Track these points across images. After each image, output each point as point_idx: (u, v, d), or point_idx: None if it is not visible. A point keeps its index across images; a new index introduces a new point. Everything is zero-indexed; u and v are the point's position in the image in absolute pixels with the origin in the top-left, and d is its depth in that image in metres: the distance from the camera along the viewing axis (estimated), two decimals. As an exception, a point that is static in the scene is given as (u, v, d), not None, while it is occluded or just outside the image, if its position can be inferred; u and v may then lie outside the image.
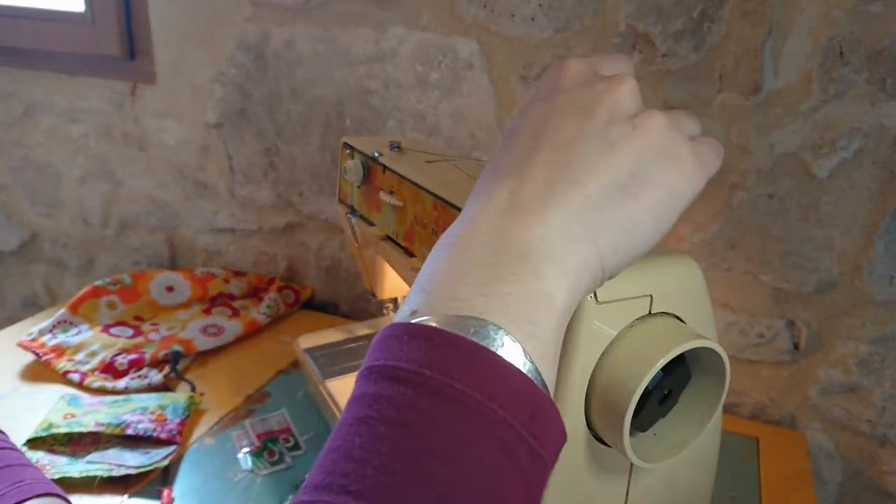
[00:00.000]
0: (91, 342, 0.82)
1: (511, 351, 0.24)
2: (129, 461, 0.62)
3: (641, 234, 0.29)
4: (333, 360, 0.73)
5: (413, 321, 0.25)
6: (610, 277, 0.30)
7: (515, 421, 0.23)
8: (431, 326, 0.24)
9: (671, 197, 0.30)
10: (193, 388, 0.76)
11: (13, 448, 0.50)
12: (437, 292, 0.26)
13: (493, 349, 0.23)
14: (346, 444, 0.23)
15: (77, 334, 0.84)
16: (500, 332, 0.24)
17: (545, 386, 0.25)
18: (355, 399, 0.24)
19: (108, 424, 0.65)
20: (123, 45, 0.98)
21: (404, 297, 0.75)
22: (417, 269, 0.53)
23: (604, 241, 0.28)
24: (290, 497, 0.59)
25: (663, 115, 0.30)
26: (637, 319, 0.40)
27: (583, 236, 0.27)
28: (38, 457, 0.62)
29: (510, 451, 0.22)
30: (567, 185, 0.28)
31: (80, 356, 0.80)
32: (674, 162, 0.30)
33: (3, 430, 0.53)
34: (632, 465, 0.43)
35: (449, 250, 0.27)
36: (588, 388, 0.39)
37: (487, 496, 0.22)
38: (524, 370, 0.24)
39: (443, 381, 0.23)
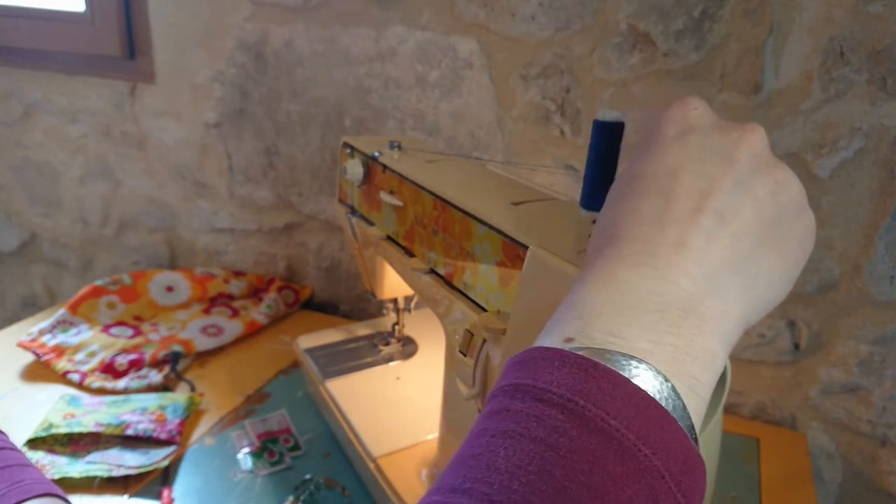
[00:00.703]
0: (91, 342, 0.82)
1: (670, 403, 0.22)
2: (129, 461, 0.62)
3: (780, 291, 0.29)
4: (333, 360, 0.73)
5: (567, 348, 0.23)
6: (750, 324, 0.29)
7: (668, 473, 0.21)
8: (587, 358, 0.22)
9: (803, 252, 0.29)
10: (193, 389, 0.76)
11: (13, 448, 0.50)
12: (596, 324, 0.24)
13: (653, 396, 0.22)
14: (487, 453, 0.21)
15: (77, 334, 0.84)
16: (663, 380, 0.23)
17: (696, 443, 0.24)
18: (496, 412, 0.23)
19: (108, 425, 0.65)
20: (123, 44, 0.98)
21: (405, 297, 0.75)
22: (418, 269, 0.53)
23: (752, 298, 0.27)
24: (291, 497, 0.59)
25: (793, 173, 0.30)
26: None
27: (737, 293, 0.26)
28: (38, 457, 0.62)
29: (658, 502, 0.21)
30: (724, 237, 0.26)
31: (79, 356, 0.80)
32: (804, 218, 0.29)
33: (3, 430, 0.52)
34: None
35: (609, 285, 0.25)
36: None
37: None
38: (682, 424, 0.22)
39: (597, 413, 0.21)
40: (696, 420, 0.24)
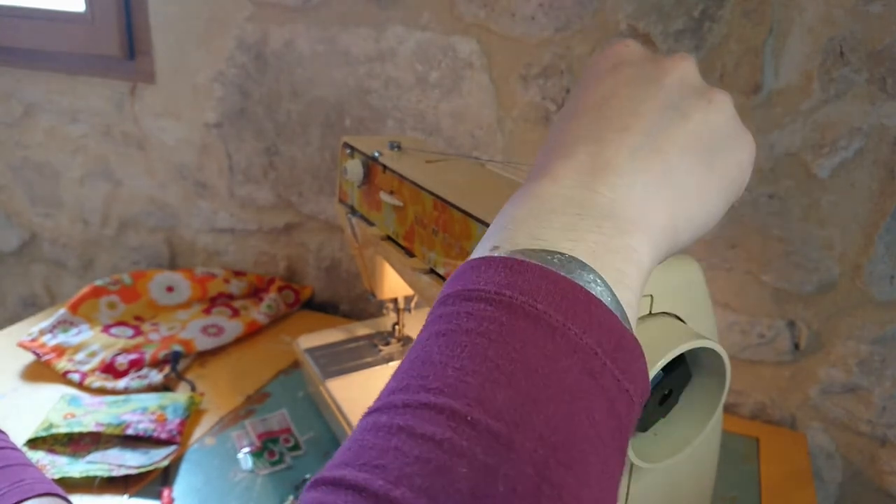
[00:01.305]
0: (91, 342, 0.82)
1: (599, 290, 0.23)
2: (130, 461, 0.62)
3: (713, 209, 0.29)
4: (334, 360, 0.73)
5: (494, 255, 0.24)
6: (680, 250, 0.29)
7: (600, 349, 0.22)
8: (513, 258, 0.23)
9: (739, 173, 0.30)
10: (194, 388, 0.76)
11: (14, 448, 0.50)
12: (519, 230, 0.25)
13: (578, 283, 0.23)
14: (423, 354, 0.22)
15: (77, 334, 0.84)
16: (588, 270, 0.23)
17: (632, 330, 0.24)
18: (430, 322, 0.24)
19: (109, 424, 0.65)
20: (123, 44, 0.98)
21: (405, 297, 0.75)
22: (418, 269, 0.53)
23: (681, 211, 0.28)
24: (291, 497, 0.59)
25: (728, 94, 0.31)
26: (637, 319, 0.39)
27: (662, 204, 0.27)
28: (38, 457, 0.62)
29: (595, 377, 0.21)
30: (649, 153, 0.27)
31: (80, 356, 0.80)
32: (742, 140, 0.30)
33: (4, 430, 0.52)
34: (632, 465, 0.43)
35: (530, 200, 0.26)
36: (588, 389, 0.39)
37: (571, 413, 0.20)
38: (613, 310, 0.23)
39: (525, 300, 0.22)
40: (631, 312, 0.24)
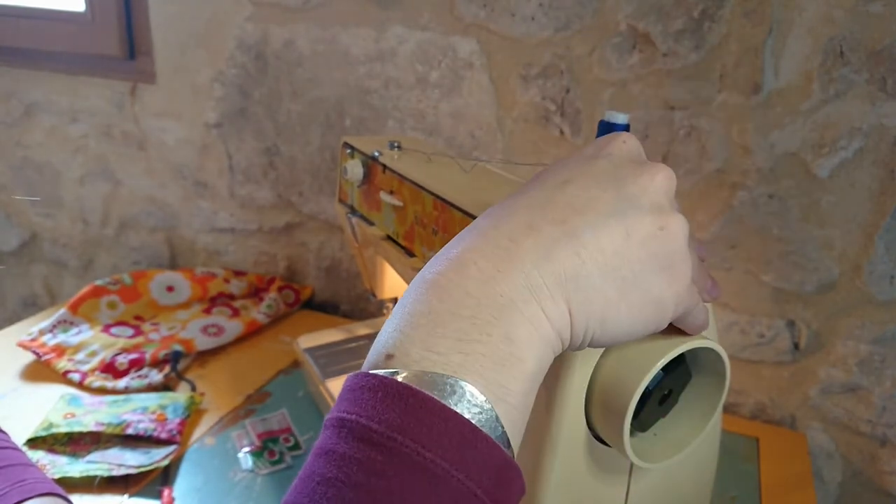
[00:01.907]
0: (91, 342, 0.82)
1: (483, 416, 0.25)
2: (130, 461, 0.62)
3: (616, 332, 0.29)
4: (334, 359, 0.73)
5: (387, 373, 0.25)
6: (576, 349, 0.30)
7: (481, 490, 0.24)
8: (407, 385, 0.24)
9: (656, 310, 0.29)
10: (194, 388, 0.76)
11: (14, 448, 0.50)
12: (415, 338, 0.26)
13: (466, 416, 0.24)
14: (312, 502, 0.23)
15: (77, 334, 0.84)
16: (475, 394, 0.25)
17: (510, 447, 0.26)
18: (324, 452, 0.24)
19: (109, 424, 0.65)
20: (123, 44, 0.98)
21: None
22: (418, 269, 0.53)
23: (581, 320, 0.28)
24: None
25: (688, 225, 0.30)
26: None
27: (565, 307, 0.27)
28: (38, 456, 0.62)
29: None
30: (568, 255, 0.27)
31: (80, 356, 0.80)
32: (674, 280, 0.29)
33: (4, 430, 0.53)
34: (632, 465, 0.43)
35: (432, 290, 0.27)
36: (588, 388, 0.39)
37: None
38: (494, 436, 0.25)
39: (413, 448, 0.23)
40: (510, 426, 0.26)
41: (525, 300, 0.26)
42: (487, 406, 0.25)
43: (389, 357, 0.26)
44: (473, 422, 0.24)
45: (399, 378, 0.24)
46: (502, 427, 0.25)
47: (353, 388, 0.26)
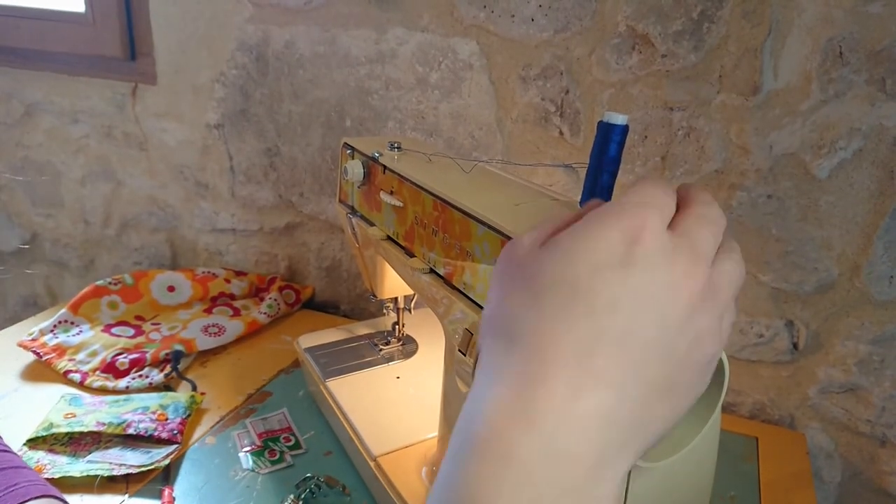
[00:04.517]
0: (92, 342, 0.82)
1: None
2: (130, 460, 0.62)
3: (666, 432, 0.27)
4: (334, 359, 0.73)
5: None
6: None
7: None
8: None
9: (685, 403, 0.28)
10: (194, 388, 0.76)
11: (7, 450, 0.50)
12: None
13: None
14: None
15: (78, 334, 0.84)
16: None
17: None
18: None
19: (109, 424, 0.65)
20: (124, 45, 0.98)
21: (405, 297, 0.76)
22: (417, 269, 0.53)
23: (645, 445, 0.26)
24: (292, 496, 0.59)
25: (735, 316, 0.28)
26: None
27: (633, 451, 0.25)
28: (38, 456, 0.62)
29: None
30: (632, 402, 0.24)
31: (80, 356, 0.80)
32: (703, 371, 0.28)
33: (4, 429, 0.53)
34: (631, 464, 0.43)
35: (505, 463, 0.23)
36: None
37: None
38: None
39: None
40: None
41: (605, 464, 0.24)
42: None
43: None
44: None
45: None
46: None
47: None
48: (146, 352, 0.80)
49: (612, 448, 0.24)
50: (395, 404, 0.67)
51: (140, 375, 0.78)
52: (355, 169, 0.62)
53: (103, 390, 0.75)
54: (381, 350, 0.75)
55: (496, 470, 0.23)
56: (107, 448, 0.64)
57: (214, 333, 0.86)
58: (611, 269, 0.25)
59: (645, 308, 0.24)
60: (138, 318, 0.91)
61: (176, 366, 0.79)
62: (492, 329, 0.27)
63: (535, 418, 0.23)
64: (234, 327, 0.87)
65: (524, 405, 0.23)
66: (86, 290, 0.89)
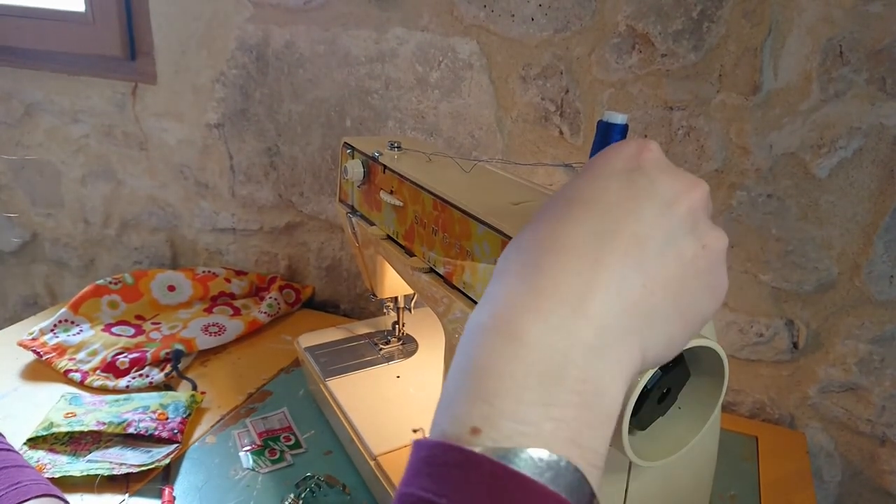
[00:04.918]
0: (92, 341, 0.82)
1: (578, 491, 0.23)
2: (131, 460, 0.62)
3: (670, 351, 0.28)
4: (334, 358, 0.73)
5: (476, 446, 0.22)
6: None
7: None
8: (502, 466, 0.22)
9: (702, 324, 0.29)
10: (195, 387, 0.76)
11: (10, 449, 0.50)
12: (504, 408, 0.23)
13: (564, 495, 0.22)
14: None
15: (78, 333, 0.84)
16: (570, 470, 0.23)
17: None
18: None
19: (110, 423, 0.65)
20: (124, 45, 0.98)
21: (405, 296, 0.76)
22: (417, 269, 0.53)
23: (650, 351, 0.27)
24: (292, 495, 0.59)
25: (726, 239, 0.29)
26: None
27: (637, 345, 0.26)
28: (38, 456, 0.62)
29: None
30: (639, 292, 0.26)
31: (81, 355, 0.80)
32: (716, 296, 0.29)
33: (4, 429, 0.53)
34: (631, 463, 0.43)
35: (507, 343, 0.24)
36: (587, 387, 0.39)
37: None
38: None
39: None
40: (598, 487, 0.24)
41: (608, 345, 0.25)
42: (579, 475, 0.23)
43: (476, 431, 0.23)
44: (572, 502, 0.22)
45: (492, 456, 0.22)
46: (594, 494, 0.24)
47: (433, 461, 0.23)
48: (146, 351, 0.80)
49: (612, 330, 0.25)
50: (395, 404, 0.67)
51: (140, 375, 0.78)
52: (355, 168, 0.62)
53: (103, 390, 0.76)
54: (381, 349, 0.76)
55: (502, 347, 0.24)
56: (107, 447, 0.64)
57: (215, 333, 0.86)
58: (611, 177, 0.28)
59: (646, 208, 0.27)
60: (139, 317, 0.91)
61: (176, 365, 0.79)
62: (501, 258, 0.29)
63: (536, 299, 0.25)
64: (235, 327, 0.87)
65: (527, 289, 0.25)
66: (86, 289, 0.89)
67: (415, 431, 0.62)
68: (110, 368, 0.78)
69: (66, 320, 0.86)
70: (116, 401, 0.71)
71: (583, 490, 0.23)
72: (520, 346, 0.24)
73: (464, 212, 0.46)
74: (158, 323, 0.90)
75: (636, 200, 0.27)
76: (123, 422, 0.65)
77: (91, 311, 0.88)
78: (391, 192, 0.57)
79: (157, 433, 0.65)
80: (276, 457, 0.65)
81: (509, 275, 0.27)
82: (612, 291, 0.25)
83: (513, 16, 0.75)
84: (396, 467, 0.57)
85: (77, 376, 0.77)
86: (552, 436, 0.23)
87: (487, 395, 0.24)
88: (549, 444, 0.23)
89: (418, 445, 0.24)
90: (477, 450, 0.22)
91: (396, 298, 0.75)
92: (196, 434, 0.68)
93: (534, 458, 0.22)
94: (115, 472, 0.61)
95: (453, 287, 0.49)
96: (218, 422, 0.71)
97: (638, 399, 0.36)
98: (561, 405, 0.23)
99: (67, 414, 0.67)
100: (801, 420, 0.78)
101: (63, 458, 0.62)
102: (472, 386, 0.24)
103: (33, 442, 0.64)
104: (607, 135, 0.36)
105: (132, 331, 0.87)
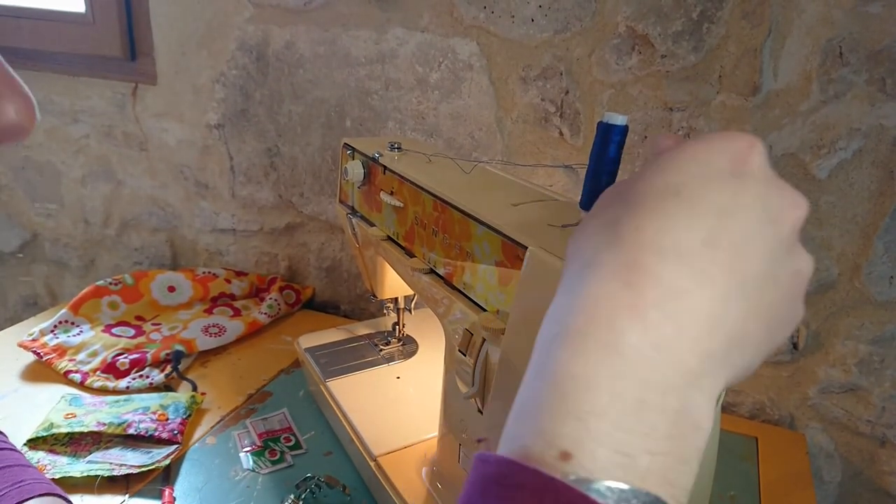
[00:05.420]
0: (92, 342, 0.82)
1: None
2: (131, 460, 0.62)
3: (741, 380, 0.26)
4: (334, 359, 0.73)
5: (567, 476, 0.20)
6: None
7: None
8: (591, 501, 0.19)
9: (780, 338, 0.27)
10: (195, 388, 0.76)
11: (13, 449, 0.50)
12: (600, 434, 0.20)
13: None
14: None
15: (78, 334, 0.84)
16: None
17: None
18: None
19: (110, 424, 0.65)
20: (124, 45, 0.98)
21: (405, 297, 0.76)
22: (417, 269, 0.53)
23: (731, 380, 0.25)
24: (292, 496, 0.59)
25: (813, 265, 0.27)
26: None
27: (726, 376, 0.24)
28: (38, 457, 0.62)
29: None
30: (739, 315, 0.23)
31: (81, 356, 0.80)
32: (794, 323, 0.27)
33: (4, 430, 0.53)
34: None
35: (606, 353, 0.21)
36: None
37: None
38: None
39: None
40: None
41: (707, 374, 0.22)
42: None
43: (566, 456, 0.20)
44: None
45: (581, 489, 0.19)
46: None
47: (504, 482, 0.20)
48: (147, 352, 0.80)
49: (713, 358, 0.22)
50: (395, 404, 0.67)
51: (140, 375, 0.78)
52: (355, 169, 0.62)
53: (104, 390, 0.76)
54: (381, 350, 0.76)
55: (599, 357, 0.21)
56: (107, 448, 0.64)
57: (215, 333, 0.86)
58: (720, 178, 0.24)
59: (754, 222, 0.24)
60: (139, 318, 0.91)
61: (176, 366, 0.80)
62: (580, 240, 0.26)
63: (642, 308, 0.22)
64: (235, 327, 0.87)
65: (631, 294, 0.22)
66: (86, 290, 0.89)
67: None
68: (110, 369, 0.78)
69: (66, 321, 0.86)
70: (116, 402, 0.71)
71: None
72: (620, 361, 0.21)
73: (464, 213, 0.46)
74: (158, 324, 0.90)
75: (745, 212, 0.24)
76: (123, 423, 0.65)
77: (91, 312, 0.88)
78: (391, 193, 0.57)
79: (157, 434, 0.65)
80: (277, 457, 0.65)
81: (603, 269, 0.23)
82: (717, 313, 0.23)
83: (513, 17, 0.75)
84: (396, 468, 0.57)
85: (77, 377, 0.77)
86: (648, 471, 0.20)
87: (580, 412, 0.21)
88: (644, 480, 0.20)
89: (485, 461, 0.21)
90: (569, 479, 0.19)
91: (396, 299, 0.75)
92: (196, 435, 0.68)
93: (627, 496, 0.20)
94: (115, 473, 0.61)
95: (453, 288, 0.49)
96: (218, 422, 0.71)
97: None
98: (659, 437, 0.21)
99: (68, 415, 0.67)
100: (801, 421, 0.78)
101: (63, 459, 0.62)
102: (561, 396, 0.21)
103: (33, 443, 0.64)
104: (607, 136, 0.36)
105: (132, 332, 0.87)
